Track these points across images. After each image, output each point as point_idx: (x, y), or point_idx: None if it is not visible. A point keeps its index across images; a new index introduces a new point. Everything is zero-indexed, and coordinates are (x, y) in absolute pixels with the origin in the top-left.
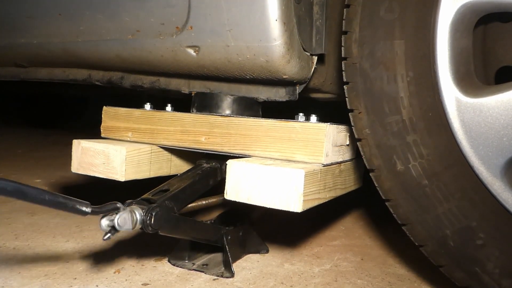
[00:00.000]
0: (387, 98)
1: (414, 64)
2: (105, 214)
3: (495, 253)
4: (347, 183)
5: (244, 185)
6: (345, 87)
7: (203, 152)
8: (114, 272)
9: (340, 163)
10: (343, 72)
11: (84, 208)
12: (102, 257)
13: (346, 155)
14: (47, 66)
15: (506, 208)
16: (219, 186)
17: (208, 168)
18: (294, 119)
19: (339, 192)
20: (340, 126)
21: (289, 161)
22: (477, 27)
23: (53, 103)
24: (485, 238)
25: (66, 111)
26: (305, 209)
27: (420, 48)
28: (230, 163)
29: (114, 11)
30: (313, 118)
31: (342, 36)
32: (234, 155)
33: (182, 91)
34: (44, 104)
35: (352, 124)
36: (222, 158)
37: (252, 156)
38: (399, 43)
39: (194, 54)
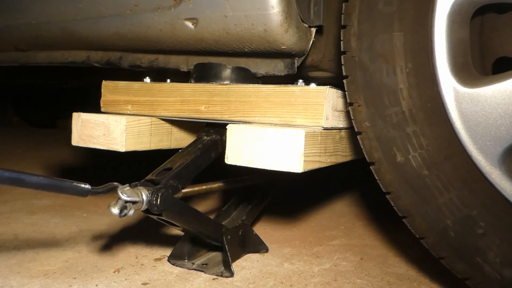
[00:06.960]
0: (386, 90)
1: (413, 56)
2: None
3: (496, 242)
4: (348, 151)
5: (244, 148)
6: (344, 81)
7: (203, 123)
8: (114, 272)
9: (340, 129)
10: (343, 66)
11: (84, 187)
12: (101, 257)
13: (346, 122)
14: (46, 49)
15: (504, 196)
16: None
17: (209, 141)
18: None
19: (340, 159)
20: (340, 91)
21: (289, 125)
22: (474, 18)
23: (53, 103)
24: (486, 227)
25: (66, 111)
26: (305, 170)
27: (418, 39)
28: (230, 127)
29: None
30: (313, 85)
31: (341, 30)
32: (234, 122)
33: (181, 69)
34: (44, 104)
35: (352, 117)
36: (222, 131)
37: (252, 122)
38: (398, 35)
39: (193, 26)
